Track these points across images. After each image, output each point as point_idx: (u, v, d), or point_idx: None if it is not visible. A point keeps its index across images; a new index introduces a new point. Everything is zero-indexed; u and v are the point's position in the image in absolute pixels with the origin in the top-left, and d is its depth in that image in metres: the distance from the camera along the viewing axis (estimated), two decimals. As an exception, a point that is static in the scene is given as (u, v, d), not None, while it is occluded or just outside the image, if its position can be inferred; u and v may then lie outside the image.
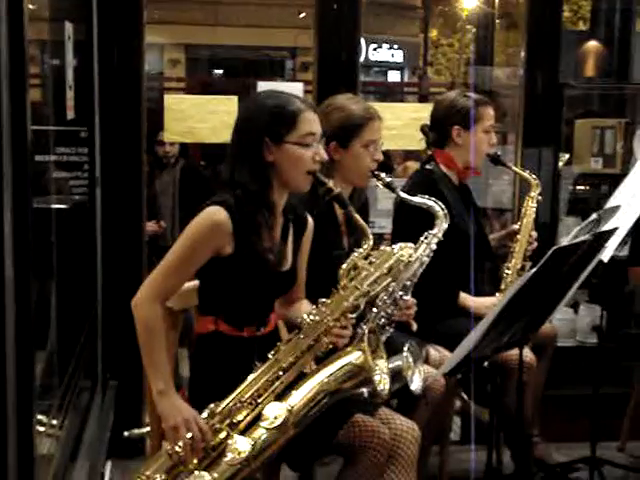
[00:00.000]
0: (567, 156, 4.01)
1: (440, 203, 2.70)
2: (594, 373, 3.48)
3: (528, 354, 3.06)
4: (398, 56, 17.29)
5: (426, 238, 2.66)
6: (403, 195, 2.71)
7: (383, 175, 2.74)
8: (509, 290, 2.18)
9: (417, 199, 2.71)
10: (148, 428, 2.58)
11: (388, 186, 2.72)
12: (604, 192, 4.13)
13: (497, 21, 5.90)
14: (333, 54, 3.76)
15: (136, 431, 3.29)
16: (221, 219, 2.28)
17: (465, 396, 3.41)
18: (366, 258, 2.35)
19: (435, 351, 2.98)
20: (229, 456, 2.22)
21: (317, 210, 2.62)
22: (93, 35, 3.52)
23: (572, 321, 4.13)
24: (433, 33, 17.63)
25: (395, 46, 17.23)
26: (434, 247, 2.67)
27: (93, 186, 3.59)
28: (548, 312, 2.55)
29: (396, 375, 2.57)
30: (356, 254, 2.34)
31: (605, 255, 3.13)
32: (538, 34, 3.98)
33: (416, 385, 2.62)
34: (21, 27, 1.88)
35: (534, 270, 2.14)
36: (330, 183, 2.39)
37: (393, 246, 2.42)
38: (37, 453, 2.06)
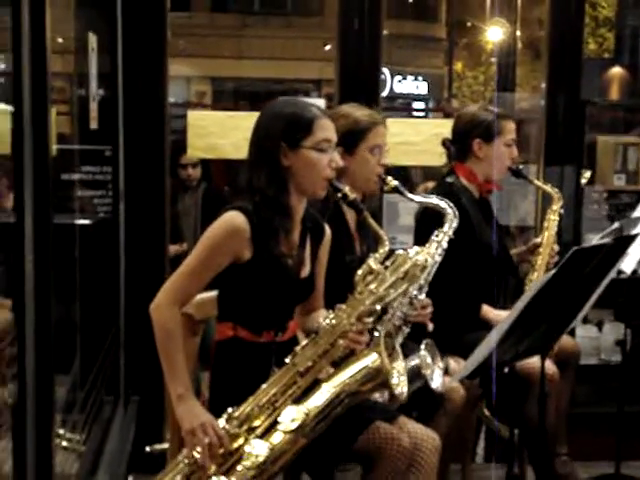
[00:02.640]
0: (589, 173, 3.99)
1: (449, 202, 2.71)
2: (619, 391, 3.44)
3: (550, 367, 3.03)
4: (423, 88, 17.36)
5: (437, 236, 2.66)
6: (410, 196, 2.72)
7: (390, 178, 2.76)
8: (528, 291, 2.17)
9: (427, 199, 2.74)
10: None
11: (396, 189, 2.74)
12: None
13: (519, 48, 5.91)
14: (355, 86, 3.79)
15: (157, 446, 3.27)
16: (240, 224, 2.30)
17: (488, 412, 3.38)
18: (382, 263, 2.35)
19: (456, 363, 2.96)
20: (247, 461, 2.22)
21: (328, 216, 2.63)
22: (118, 66, 3.60)
23: (596, 339, 4.09)
24: (458, 65, 17.73)
25: (420, 78, 17.31)
26: (445, 245, 2.67)
27: (117, 204, 3.63)
28: (569, 320, 2.52)
29: (415, 375, 2.56)
30: (372, 259, 2.34)
31: (628, 266, 3.11)
32: (560, 54, 3.99)
33: (437, 383, 2.60)
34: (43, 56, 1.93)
35: (554, 271, 2.13)
36: (346, 189, 2.41)
37: (409, 250, 2.42)
38: (56, 470, 2.07)
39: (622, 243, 2.38)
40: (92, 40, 3.16)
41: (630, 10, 8.21)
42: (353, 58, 3.88)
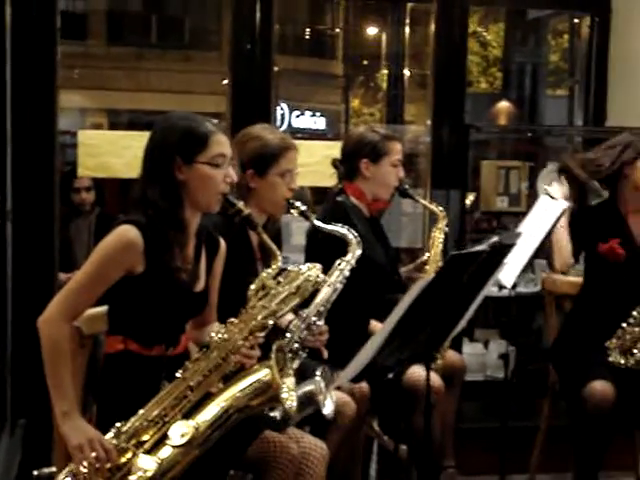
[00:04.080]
0: (473, 196, 4.16)
1: (353, 231, 2.79)
2: (503, 407, 3.57)
3: (436, 379, 3.12)
4: (320, 123, 17.56)
5: (339, 265, 2.73)
6: (317, 223, 2.79)
7: (298, 204, 2.81)
8: (408, 295, 2.24)
9: (331, 227, 2.80)
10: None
11: (303, 214, 2.80)
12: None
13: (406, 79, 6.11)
14: (247, 120, 3.84)
15: (46, 470, 3.20)
16: (132, 237, 2.29)
17: (377, 427, 3.44)
18: (275, 278, 2.39)
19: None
20: (135, 475, 2.21)
21: (231, 236, 2.65)
22: (6, 95, 3.60)
23: (482, 356, 4.22)
24: (355, 102, 18.04)
25: (317, 113, 17.51)
26: (347, 274, 2.75)
27: (4, 225, 3.59)
28: (451, 327, 2.61)
29: (308, 400, 2.63)
30: (265, 274, 2.38)
31: (507, 280, 3.24)
32: (444, 83, 4.18)
33: (328, 409, 2.66)
34: None
35: (432, 277, 2.21)
36: (240, 204, 2.44)
37: (301, 266, 2.47)
38: None
39: (499, 252, 2.49)
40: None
41: (517, 47, 8.59)
42: (245, 92, 3.97)
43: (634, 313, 3.27)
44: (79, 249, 4.92)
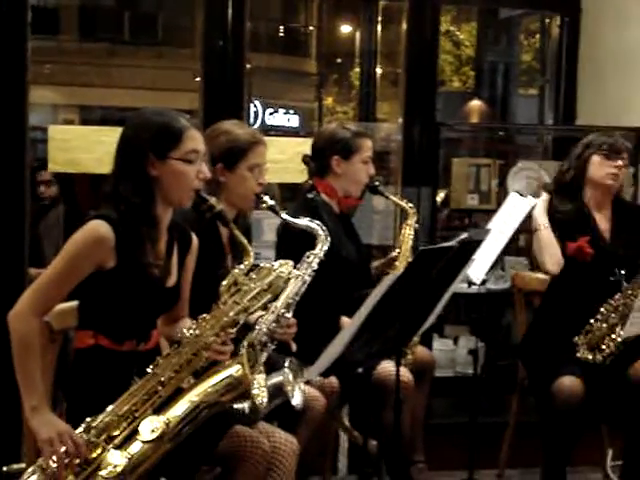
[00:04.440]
0: (443, 193, 4.19)
1: (321, 225, 2.80)
2: (472, 403, 3.60)
3: (406, 374, 3.15)
4: (294, 121, 17.57)
5: (308, 257, 2.75)
6: (286, 217, 2.80)
7: (267, 198, 2.82)
8: (377, 290, 2.26)
9: (300, 221, 2.81)
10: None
11: (272, 209, 2.81)
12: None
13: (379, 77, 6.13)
14: (219, 117, 3.85)
15: (15, 466, 3.19)
16: (103, 233, 2.29)
17: (347, 422, 3.46)
18: (247, 274, 2.40)
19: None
20: (105, 470, 2.21)
21: (202, 231, 2.65)
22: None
23: (452, 352, 4.26)
24: (328, 100, 18.07)
25: (291, 111, 17.51)
26: (315, 267, 2.77)
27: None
28: (420, 322, 2.64)
29: (277, 391, 2.64)
30: (237, 270, 2.39)
31: (477, 275, 3.28)
32: (416, 81, 4.21)
33: (297, 400, 2.68)
34: None
35: (401, 272, 2.23)
36: (212, 200, 2.45)
37: (273, 263, 2.48)
38: None
39: (468, 248, 2.51)
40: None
41: (489, 47, 8.65)
42: (217, 89, 3.97)
43: (602, 309, 3.32)
44: (48, 245, 4.90)
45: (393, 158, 4.53)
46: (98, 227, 2.30)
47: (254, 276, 2.41)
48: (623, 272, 3.35)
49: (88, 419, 2.26)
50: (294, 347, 2.77)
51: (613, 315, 3.30)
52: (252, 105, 11.95)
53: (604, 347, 3.29)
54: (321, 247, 2.77)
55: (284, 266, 2.48)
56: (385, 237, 4.22)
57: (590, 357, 3.29)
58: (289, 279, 2.50)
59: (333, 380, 3.05)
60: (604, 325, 3.31)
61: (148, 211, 2.37)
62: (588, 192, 3.48)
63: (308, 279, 2.76)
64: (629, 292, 3.30)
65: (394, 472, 3.30)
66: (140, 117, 2.43)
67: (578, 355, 3.29)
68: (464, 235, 2.60)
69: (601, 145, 3.40)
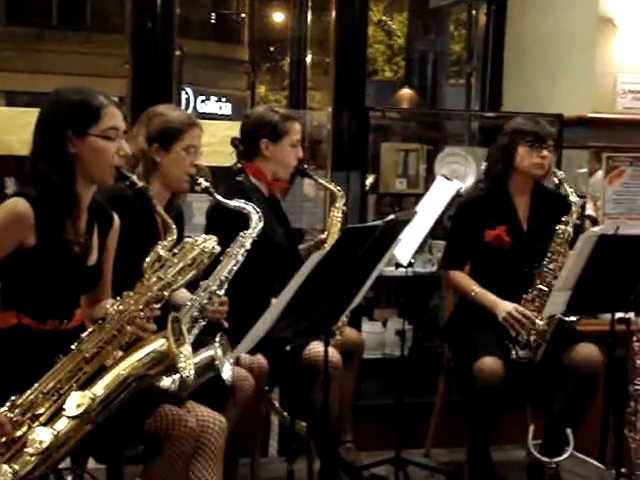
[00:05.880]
0: (372, 177, 4.23)
1: (255, 206, 2.83)
2: (399, 384, 3.66)
3: (334, 354, 3.19)
4: (226, 109, 17.47)
5: (241, 236, 2.78)
6: (220, 198, 2.83)
7: (201, 180, 2.85)
8: (304, 268, 2.29)
9: (233, 203, 2.87)
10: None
11: (206, 190, 2.85)
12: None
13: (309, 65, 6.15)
14: (148, 103, 3.82)
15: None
16: (22, 210, 2.28)
17: (277, 403, 3.48)
18: (170, 251, 2.40)
19: (245, 354, 3.04)
20: (31, 448, 2.19)
21: (137, 210, 2.64)
22: None
23: (381, 334, 4.31)
24: (261, 88, 18.02)
25: (223, 99, 17.40)
26: (248, 247, 2.80)
27: None
28: (347, 301, 2.67)
29: (208, 365, 2.69)
30: (160, 246, 2.39)
31: (404, 257, 3.32)
32: (345, 70, 4.23)
33: (227, 374, 2.73)
34: None
35: (327, 250, 2.26)
36: (134, 177, 2.45)
37: (196, 238, 2.49)
38: None
39: (394, 228, 2.55)
40: None
41: (419, 36, 8.73)
42: (146, 75, 3.95)
43: (525, 296, 3.38)
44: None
45: (324, 147, 4.55)
46: (16, 204, 2.29)
47: (177, 252, 2.42)
48: (537, 265, 3.41)
49: (12, 397, 2.24)
50: (226, 324, 2.80)
51: (532, 308, 3.37)
52: (184, 92, 11.84)
53: (532, 341, 3.33)
54: (255, 227, 2.81)
55: (208, 241, 2.48)
56: (315, 222, 4.24)
57: (525, 355, 3.33)
58: (213, 254, 2.50)
59: (262, 360, 3.07)
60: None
61: (68, 189, 2.37)
62: (513, 179, 3.54)
63: (241, 259, 2.79)
64: (537, 282, 3.38)
65: (323, 452, 3.34)
66: (58, 95, 2.42)
67: (512, 358, 3.32)
68: (391, 216, 2.65)
69: (526, 135, 3.46)
